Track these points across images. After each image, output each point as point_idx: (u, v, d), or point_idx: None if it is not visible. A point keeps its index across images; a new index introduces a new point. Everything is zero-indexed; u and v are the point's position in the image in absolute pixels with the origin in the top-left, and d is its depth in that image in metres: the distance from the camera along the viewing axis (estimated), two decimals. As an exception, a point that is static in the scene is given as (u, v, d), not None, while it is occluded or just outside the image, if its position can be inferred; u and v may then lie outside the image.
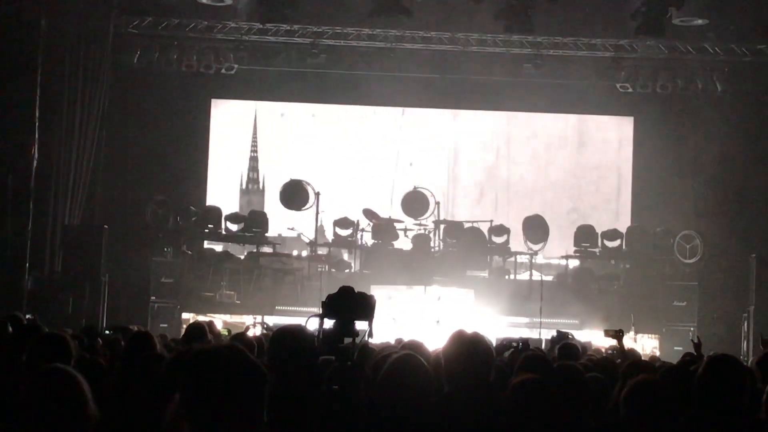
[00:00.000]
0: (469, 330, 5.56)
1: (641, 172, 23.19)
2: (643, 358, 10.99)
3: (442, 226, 21.54)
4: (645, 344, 19.43)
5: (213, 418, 3.03)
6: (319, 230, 21.70)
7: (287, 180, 21.71)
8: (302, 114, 23.69)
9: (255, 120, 23.90)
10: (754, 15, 20.13)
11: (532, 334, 17.91)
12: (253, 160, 24.04)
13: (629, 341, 15.40)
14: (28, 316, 11.84)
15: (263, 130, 23.93)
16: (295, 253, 21.72)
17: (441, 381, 5.42)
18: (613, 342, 10.10)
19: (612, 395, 6.20)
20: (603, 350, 11.90)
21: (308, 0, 20.77)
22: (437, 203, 21.59)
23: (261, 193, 23.73)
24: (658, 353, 17.81)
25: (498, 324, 18.42)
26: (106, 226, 19.82)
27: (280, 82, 22.77)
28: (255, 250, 21.38)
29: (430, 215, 21.53)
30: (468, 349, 5.31)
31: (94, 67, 20.67)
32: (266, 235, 21.51)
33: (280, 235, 21.67)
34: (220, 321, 17.75)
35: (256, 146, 24.01)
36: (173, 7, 21.16)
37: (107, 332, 12.58)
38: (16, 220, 18.46)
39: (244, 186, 24.02)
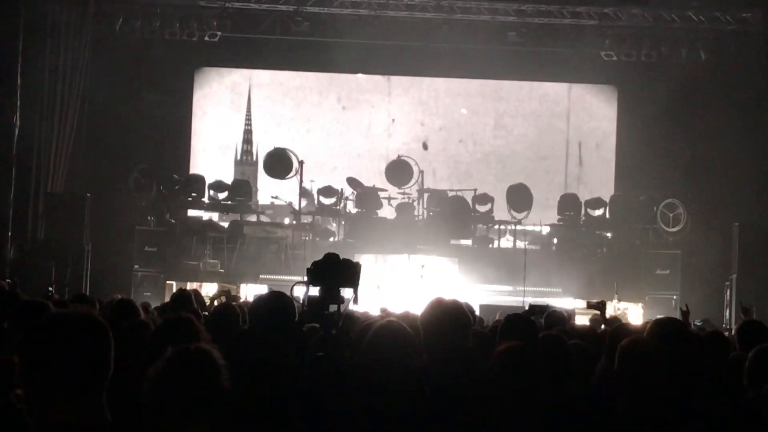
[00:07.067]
0: (450, 297, 5.55)
1: (625, 140, 23.18)
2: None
3: (426, 195, 21.51)
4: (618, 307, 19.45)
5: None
6: (307, 199, 21.64)
7: (271, 149, 21.65)
8: (288, 82, 23.63)
9: (249, 92, 23.73)
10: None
11: (515, 302, 17.96)
12: (247, 133, 23.84)
13: (612, 309, 15.46)
14: (8, 281, 11.79)
15: (254, 101, 23.78)
16: (287, 221, 21.66)
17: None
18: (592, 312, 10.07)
19: (597, 362, 6.21)
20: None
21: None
22: (421, 172, 21.55)
23: (254, 164, 23.52)
24: (638, 320, 17.83)
25: (482, 292, 18.44)
26: (89, 195, 19.76)
27: (264, 50, 22.64)
28: (239, 219, 21.32)
29: (414, 184, 21.50)
30: (444, 315, 5.29)
31: (76, 34, 20.50)
32: (253, 203, 21.47)
33: (272, 203, 21.63)
34: (214, 287, 17.81)
35: (250, 118, 23.81)
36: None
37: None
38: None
39: (238, 158, 23.85)
